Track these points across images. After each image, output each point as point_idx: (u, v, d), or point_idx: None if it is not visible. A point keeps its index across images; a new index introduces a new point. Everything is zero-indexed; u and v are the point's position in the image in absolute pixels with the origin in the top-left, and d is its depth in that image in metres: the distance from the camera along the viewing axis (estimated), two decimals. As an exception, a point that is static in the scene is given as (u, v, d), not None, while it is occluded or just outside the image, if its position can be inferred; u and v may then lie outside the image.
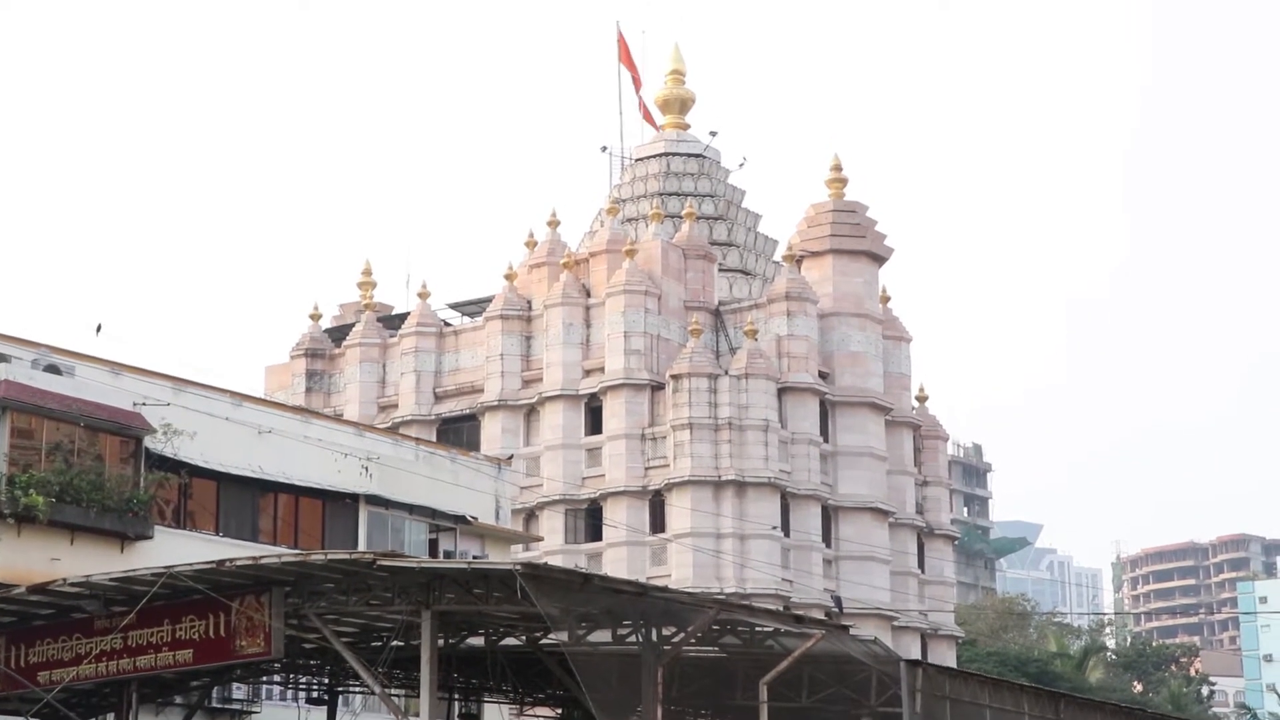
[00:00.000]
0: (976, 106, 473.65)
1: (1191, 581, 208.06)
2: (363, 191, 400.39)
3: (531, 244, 69.60)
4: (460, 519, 44.61)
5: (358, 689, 35.81)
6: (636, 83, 73.72)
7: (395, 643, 31.34)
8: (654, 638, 29.41)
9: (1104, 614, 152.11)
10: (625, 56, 73.36)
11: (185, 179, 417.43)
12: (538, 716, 46.35)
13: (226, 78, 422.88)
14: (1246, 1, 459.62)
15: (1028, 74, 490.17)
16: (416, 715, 27.97)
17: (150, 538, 36.45)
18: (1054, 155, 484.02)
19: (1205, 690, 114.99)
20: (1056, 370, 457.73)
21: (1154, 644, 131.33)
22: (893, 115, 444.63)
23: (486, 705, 42.01)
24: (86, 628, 29.17)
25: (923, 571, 69.02)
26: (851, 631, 35.96)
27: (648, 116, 74.74)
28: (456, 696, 37.94)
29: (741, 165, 75.34)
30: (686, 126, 74.60)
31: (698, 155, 73.52)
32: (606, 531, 63.12)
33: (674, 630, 29.58)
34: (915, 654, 55.68)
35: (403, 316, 69.95)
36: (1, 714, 32.52)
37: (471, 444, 60.54)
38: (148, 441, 37.45)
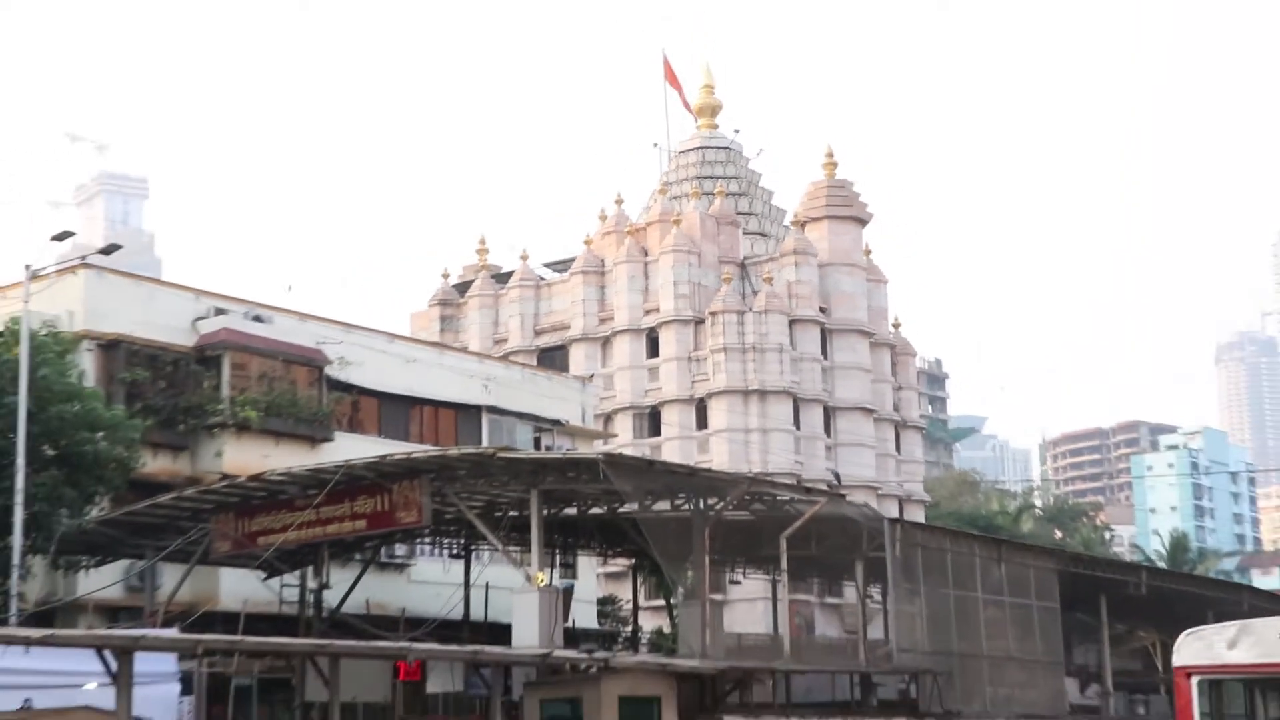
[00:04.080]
0: (938, 104, 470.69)
1: (1097, 456, 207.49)
2: (481, 183, 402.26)
3: (603, 218, 69.62)
4: (556, 422, 44.96)
5: (485, 547, 36.19)
6: (682, 97, 73.63)
7: (511, 513, 31.79)
8: (701, 506, 29.67)
9: (1032, 482, 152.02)
10: (669, 74, 73.25)
11: (359, 173, 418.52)
12: (617, 564, 46.84)
13: (383, 85, 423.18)
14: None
15: (992, 79, 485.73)
16: (529, 565, 28.23)
17: (332, 440, 37.04)
18: (999, 146, 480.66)
19: (1108, 535, 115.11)
20: (998, 299, 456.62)
21: (1070, 503, 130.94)
22: (873, 112, 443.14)
23: (580, 557, 42.48)
24: (290, 505, 29.61)
25: (899, 453, 69.05)
26: (848, 498, 36.21)
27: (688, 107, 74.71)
28: (557, 551, 38.34)
29: (759, 154, 74.91)
30: (716, 126, 74.26)
31: (725, 148, 73.32)
32: (664, 429, 63.42)
33: (716, 500, 29.79)
34: (894, 514, 55.72)
35: (509, 274, 70.06)
36: (234, 566, 33.14)
37: (562, 367, 60.82)
38: (328, 370, 38.02)
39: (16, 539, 26.55)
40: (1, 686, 22.09)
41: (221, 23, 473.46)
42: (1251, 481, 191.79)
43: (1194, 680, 18.74)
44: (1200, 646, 19.31)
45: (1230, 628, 19.43)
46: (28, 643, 21.74)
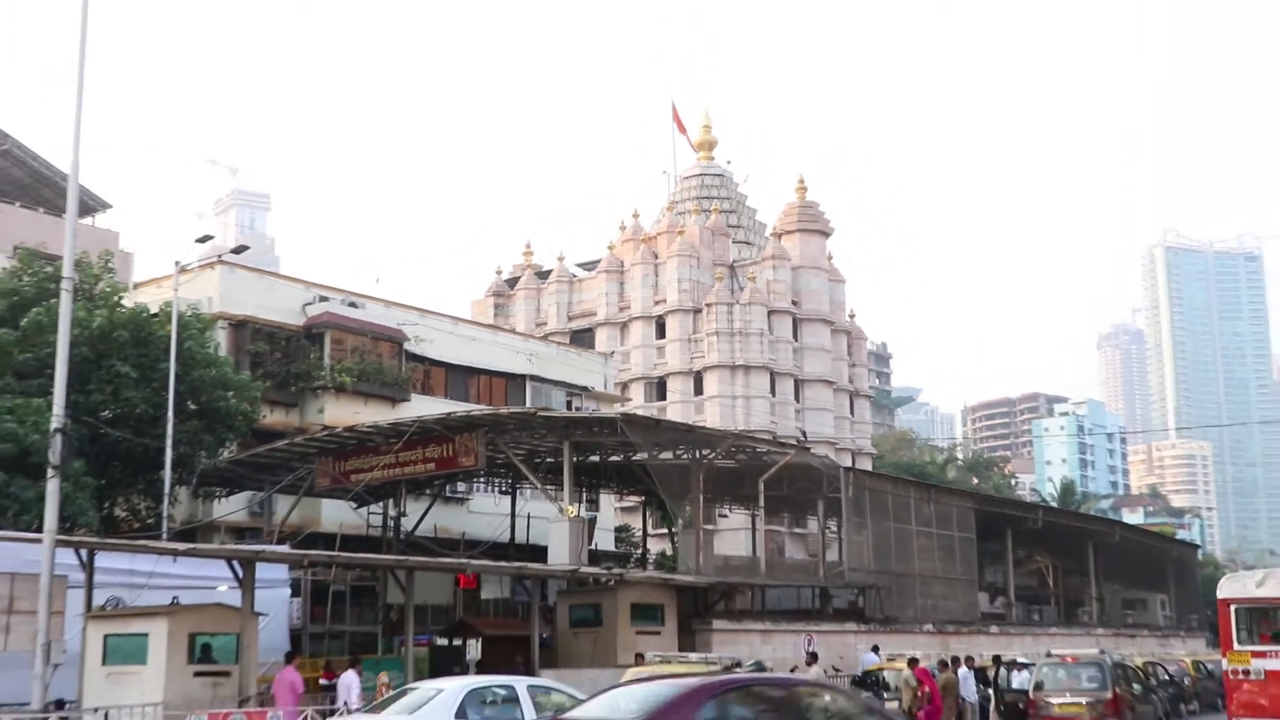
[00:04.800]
0: (889, 136, 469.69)
1: (1006, 420, 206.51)
2: (528, 200, 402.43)
3: (623, 228, 69.61)
4: (584, 389, 45.06)
5: (528, 486, 36.36)
6: (686, 136, 73.62)
7: (548, 459, 31.96)
8: (697, 455, 29.89)
9: (955, 440, 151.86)
10: (676, 118, 73.21)
11: (432, 192, 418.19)
12: (630, 501, 46.96)
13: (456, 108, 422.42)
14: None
15: (933, 109, 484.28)
16: (561, 500, 28.42)
17: (408, 400, 37.16)
18: (936, 169, 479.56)
19: (1013, 482, 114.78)
20: (934, 294, 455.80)
21: (984, 456, 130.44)
22: (834, 151, 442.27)
23: (601, 494, 42.66)
24: (376, 450, 29.83)
25: (853, 416, 69.02)
26: (812, 451, 36.39)
27: (688, 138, 74.66)
28: (583, 489, 38.51)
29: (745, 180, 75.17)
30: (713, 158, 74.06)
31: (719, 175, 73.16)
32: (669, 395, 63.54)
33: (708, 451, 30.02)
34: (848, 464, 55.92)
35: (549, 271, 70.07)
36: (332, 498, 33.38)
37: (589, 345, 60.85)
38: (406, 346, 38.11)
39: (167, 474, 26.82)
40: (156, 587, 22.44)
41: (324, 66, 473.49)
42: (1123, 441, 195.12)
43: (1232, 608, 21.80)
44: (1237, 586, 22.56)
45: (1260, 573, 23.19)
46: (176, 553, 22.05)
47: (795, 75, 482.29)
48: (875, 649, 28.72)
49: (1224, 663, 21.81)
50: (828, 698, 11.02)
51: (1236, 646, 21.49)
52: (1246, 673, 21.07)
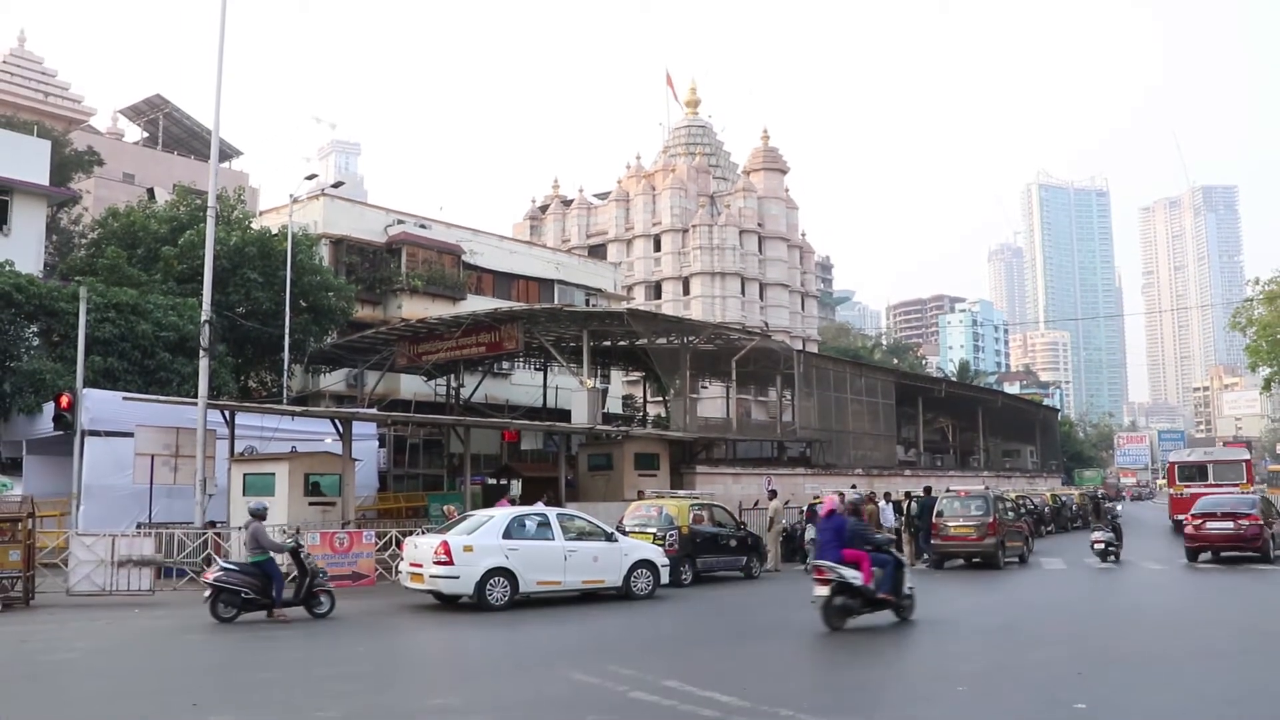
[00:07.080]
0: (834, 89, 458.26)
1: (919, 315, 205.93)
2: (557, 143, 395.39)
3: (629, 167, 68.71)
4: (598, 290, 45.02)
5: (556, 364, 36.55)
6: (677, 97, 72.48)
7: (571, 344, 32.07)
8: (685, 341, 29.98)
9: (881, 331, 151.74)
10: (669, 83, 72.03)
11: (482, 137, 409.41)
12: (634, 376, 47.21)
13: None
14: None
15: (872, 67, 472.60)
16: (581, 375, 28.63)
17: (465, 299, 37.13)
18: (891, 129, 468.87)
19: (923, 362, 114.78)
20: (865, 220, 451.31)
21: (902, 343, 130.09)
22: (793, 106, 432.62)
23: (612, 371, 42.86)
24: (442, 337, 29.87)
25: (803, 312, 68.94)
26: (773, 337, 36.53)
27: (676, 95, 73.42)
28: (598, 367, 38.66)
29: (723, 130, 74.88)
30: (697, 113, 72.76)
31: (702, 126, 71.96)
32: (663, 295, 63.47)
33: (694, 337, 30.11)
34: (799, 348, 56.17)
35: (572, 200, 69.40)
36: (408, 373, 33.58)
37: (602, 257, 60.63)
38: (463, 257, 37.97)
39: (285, 355, 27.08)
40: (279, 439, 22.83)
41: (402, 42, 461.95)
42: (1006, 331, 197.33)
43: (1175, 465, 33.38)
44: (1178, 455, 34.46)
45: (1191, 449, 37.10)
46: (293, 414, 22.38)
47: (761, 47, 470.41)
48: (854, 487, 28.66)
49: (1170, 490, 32.82)
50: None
51: (1178, 482, 32.11)
52: (1182, 495, 30.68)
